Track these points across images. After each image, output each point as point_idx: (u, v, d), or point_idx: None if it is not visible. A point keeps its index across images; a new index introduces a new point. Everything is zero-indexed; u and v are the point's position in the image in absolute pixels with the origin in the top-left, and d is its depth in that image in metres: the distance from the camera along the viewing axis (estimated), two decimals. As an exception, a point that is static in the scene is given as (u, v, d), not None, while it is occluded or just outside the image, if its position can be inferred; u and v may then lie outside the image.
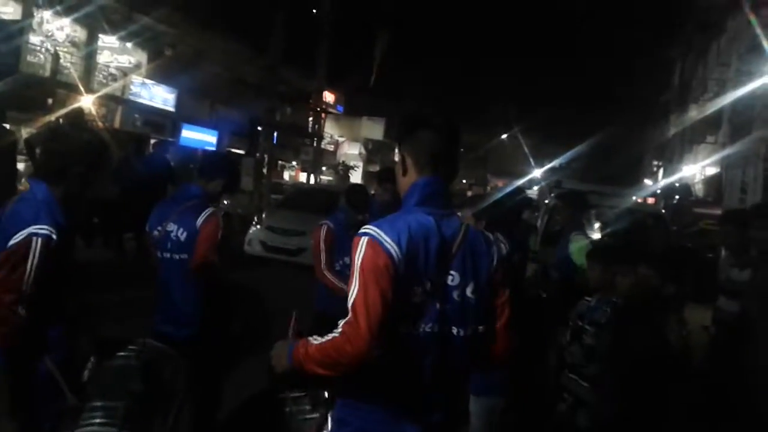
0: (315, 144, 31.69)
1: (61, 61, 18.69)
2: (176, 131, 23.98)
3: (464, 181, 42.08)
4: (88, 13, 17.98)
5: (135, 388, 2.62)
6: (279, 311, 2.25)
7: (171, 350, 3.03)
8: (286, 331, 2.19)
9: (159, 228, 3.56)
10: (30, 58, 17.64)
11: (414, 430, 1.95)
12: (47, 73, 18.16)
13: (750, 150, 16.01)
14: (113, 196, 9.87)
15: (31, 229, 2.30)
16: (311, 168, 30.35)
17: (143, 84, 22.12)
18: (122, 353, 2.80)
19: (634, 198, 12.08)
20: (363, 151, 41.40)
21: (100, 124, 17.35)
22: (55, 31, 18.69)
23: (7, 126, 8.91)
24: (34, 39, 17.84)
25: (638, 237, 6.01)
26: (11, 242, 2.29)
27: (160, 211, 3.67)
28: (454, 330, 1.98)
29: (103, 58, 21.24)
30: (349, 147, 41.22)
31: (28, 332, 2.31)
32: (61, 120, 12.38)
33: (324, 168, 35.18)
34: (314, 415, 2.38)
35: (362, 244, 1.90)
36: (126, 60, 22.47)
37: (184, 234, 3.47)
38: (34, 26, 17.44)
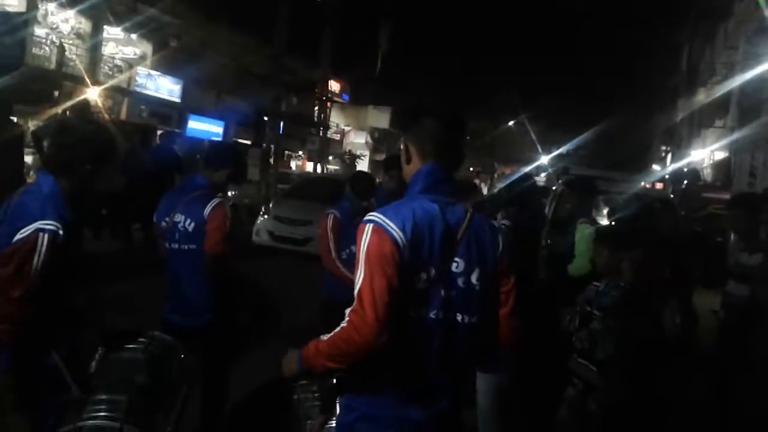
0: (321, 133, 31.69)
1: (67, 53, 18.71)
2: (182, 122, 24.00)
3: (471, 168, 41.97)
4: (92, 4, 17.98)
5: (140, 382, 2.63)
6: (287, 301, 2.25)
7: (179, 343, 3.04)
8: (294, 321, 2.20)
9: (167, 219, 3.57)
10: (35, 50, 17.67)
11: (420, 416, 1.96)
12: (53, 66, 18.18)
13: (759, 134, 15.91)
14: (120, 187, 9.91)
15: (38, 224, 2.29)
16: (318, 157, 30.38)
17: (149, 75, 22.13)
18: (130, 346, 2.82)
19: (642, 183, 12.03)
20: (369, 140, 41.34)
21: (106, 116, 17.38)
22: (60, 23, 18.68)
23: (14, 119, 8.93)
24: (39, 31, 17.85)
25: (646, 222, 5.98)
26: (18, 237, 2.28)
27: (168, 202, 3.68)
28: (459, 317, 1.99)
29: (108, 49, 21.24)
30: (355, 136, 41.17)
31: (35, 326, 2.31)
32: (67, 112, 12.43)
33: (330, 157, 35.19)
34: (322, 403, 2.39)
35: (367, 231, 1.90)
36: (131, 51, 22.46)
37: (192, 224, 3.48)
38: (39, 18, 17.44)
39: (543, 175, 18.97)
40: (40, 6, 17.32)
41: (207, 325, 3.48)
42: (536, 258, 4.78)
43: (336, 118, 38.46)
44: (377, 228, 1.89)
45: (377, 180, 5.29)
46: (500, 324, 2.11)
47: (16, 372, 2.26)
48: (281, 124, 24.35)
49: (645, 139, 38.25)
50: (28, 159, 9.88)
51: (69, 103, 15.03)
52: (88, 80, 17.74)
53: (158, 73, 22.47)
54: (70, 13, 18.61)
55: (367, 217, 1.94)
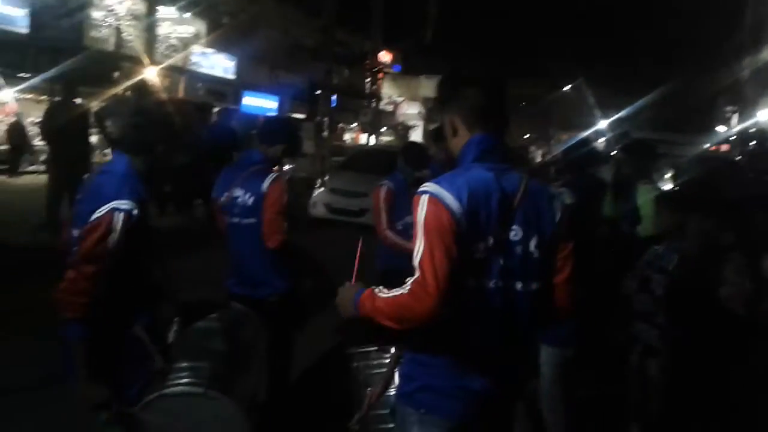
0: (374, 105, 31.61)
1: (124, 34, 19.16)
2: (238, 99, 24.36)
3: (526, 135, 41.19)
4: (147, -15, 18.30)
5: (219, 349, 2.72)
6: (344, 272, 2.29)
7: (251, 311, 3.12)
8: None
9: (226, 194, 3.65)
10: (94, 33, 18.16)
11: (481, 385, 1.96)
12: (111, 47, 18.67)
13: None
14: (182, 164, 10.17)
15: (113, 203, 2.38)
16: (371, 129, 30.36)
17: (203, 53, 22.48)
18: (205, 316, 2.91)
19: (706, 145, 11.59)
20: (422, 110, 41.03)
21: (164, 95, 17.80)
22: (116, 5, 19.11)
23: (78, 100, 9.24)
24: (96, 14, 18.32)
25: (711, 185, 5.77)
26: (94, 216, 2.37)
27: (226, 177, 3.75)
28: (518, 285, 1.97)
29: (163, 29, 21.64)
30: (408, 107, 40.93)
31: (117, 300, 2.42)
32: (127, 92, 12.78)
33: (383, 129, 35.13)
34: (382, 370, 2.42)
35: (423, 202, 1.89)
36: (185, 30, 22.84)
37: (251, 198, 3.55)
38: (95, 1, 17.88)
39: (602, 140, 18.46)
40: (96, -11, 17.74)
41: (270, 296, 3.56)
42: (595, 225, 4.68)
43: (388, 90, 38.28)
44: (433, 199, 1.88)
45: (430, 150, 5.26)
46: (558, 290, 2.07)
47: (89, 344, 2.37)
48: (334, 97, 24.39)
49: (708, 100, 36.63)
50: (93, 139, 10.21)
51: (128, 83, 15.45)
52: (145, 60, 18.15)
53: (212, 50, 22.80)
54: (126, -5, 19.00)
55: (422, 188, 1.93)
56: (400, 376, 2.10)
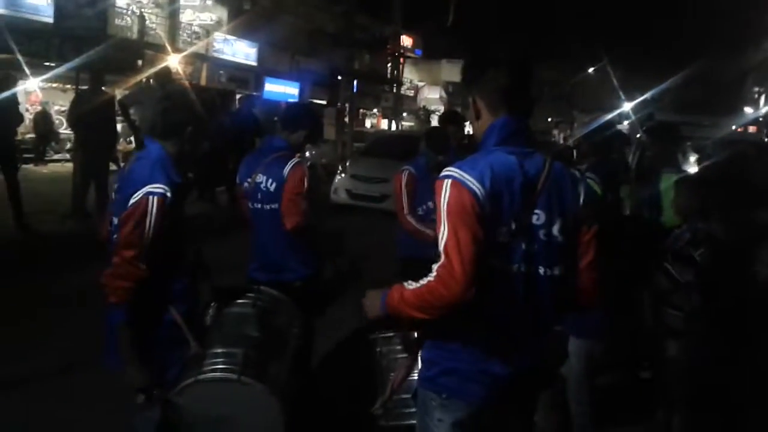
0: (395, 90, 31.50)
1: (147, 22, 19.28)
2: (259, 85, 24.41)
3: (549, 119, 40.74)
4: (168, -28, 18.37)
5: (253, 335, 2.75)
6: (366, 257, 2.30)
7: (285, 297, 3.15)
8: (373, 276, 2.23)
9: (249, 180, 3.68)
10: (117, 21, 18.29)
11: (503, 370, 1.96)
12: (135, 35, 18.80)
13: None
14: (205, 151, 10.26)
15: (148, 188, 2.43)
16: (392, 114, 30.28)
17: (225, 40, 22.55)
18: (239, 301, 2.96)
19: (733, 127, 11.38)
20: (443, 94, 40.77)
21: (186, 82, 17.93)
22: (139, -7, 19.22)
23: (104, 88, 9.34)
24: (119, 2, 18.44)
25: (739, 168, 5.67)
26: (131, 201, 2.43)
27: (249, 163, 3.79)
28: (541, 270, 1.96)
29: (185, 16, 21.76)
30: (429, 91, 40.71)
31: (154, 285, 2.46)
32: (151, 80, 12.88)
33: (405, 114, 35.00)
34: (404, 356, 2.43)
35: (446, 186, 1.88)
36: (208, 17, 22.93)
37: (273, 184, 3.57)
38: (119, -11, 17.99)
39: (626, 123, 18.21)
40: (119, -23, 17.85)
41: (292, 281, 3.59)
42: (618, 210, 4.64)
43: (409, 74, 38.08)
44: (455, 182, 1.87)
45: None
46: (582, 275, 2.06)
47: (134, 327, 2.43)
48: (355, 82, 24.36)
49: (735, 81, 35.85)
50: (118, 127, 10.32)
51: (151, 71, 15.55)
52: (168, 48, 18.26)
53: (234, 37, 22.85)
54: (148, -17, 19.10)
55: (444, 173, 1.92)
56: (422, 360, 2.10)
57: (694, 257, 3.28)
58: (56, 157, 18.33)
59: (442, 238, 1.85)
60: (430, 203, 4.26)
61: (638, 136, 9.02)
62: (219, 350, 2.59)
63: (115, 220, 2.54)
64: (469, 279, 1.79)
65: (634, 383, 4.50)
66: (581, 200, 2.04)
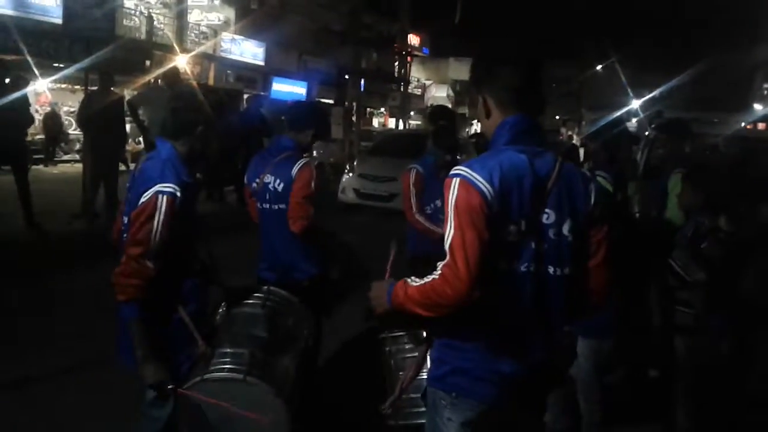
0: (402, 89, 31.49)
1: (155, 22, 19.35)
2: (267, 85, 24.47)
3: (557, 117, 40.62)
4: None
5: (260, 335, 2.76)
6: (374, 256, 2.30)
7: (294, 298, 3.15)
8: (382, 275, 2.23)
9: (257, 180, 3.68)
10: (126, 22, 18.36)
11: (512, 370, 1.95)
12: (143, 36, 18.87)
13: None
14: (214, 151, 10.28)
15: (157, 187, 2.45)
16: (399, 113, 30.28)
17: (233, 40, 22.60)
18: (248, 301, 2.96)
19: (742, 124, 11.31)
20: (451, 93, 40.71)
21: (194, 82, 18.00)
22: (147, -6, 19.28)
23: (113, 89, 9.38)
24: (127, 3, 18.51)
25: (748, 164, 5.64)
26: (141, 200, 2.45)
27: (257, 164, 3.78)
28: (551, 269, 1.95)
29: (193, 17, 21.82)
30: (436, 90, 40.64)
31: (163, 283, 2.48)
32: (159, 81, 12.93)
33: (412, 113, 34.97)
34: (413, 354, 2.43)
35: (454, 186, 1.87)
36: (215, 17, 22.98)
37: (281, 185, 3.57)
38: (127, -10, 18.06)
39: (634, 120, 18.13)
40: (127, -22, 17.91)
41: (300, 281, 3.59)
42: (627, 208, 4.62)
43: (416, 73, 38.07)
44: (464, 182, 1.86)
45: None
46: (593, 275, 2.04)
47: (145, 323, 2.44)
48: (362, 81, 24.37)
49: (744, 78, 35.62)
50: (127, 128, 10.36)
51: (160, 71, 15.63)
52: (176, 48, 18.33)
53: (242, 37, 22.91)
54: (156, -17, 19.16)
55: (453, 172, 1.91)
56: (431, 359, 2.10)
57: (697, 251, 3.27)
58: (65, 157, 18.44)
59: (448, 237, 1.85)
60: (438, 202, 4.26)
61: (647, 133, 8.99)
62: (227, 350, 2.61)
63: (125, 220, 2.57)
64: (474, 279, 1.79)
65: (643, 382, 4.48)
66: (592, 200, 2.02)
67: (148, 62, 18.29)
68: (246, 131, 11.21)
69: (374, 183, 12.28)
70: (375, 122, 34.67)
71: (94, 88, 9.66)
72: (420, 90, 39.19)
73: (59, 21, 15.85)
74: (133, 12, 18.85)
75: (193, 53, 19.85)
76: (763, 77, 33.69)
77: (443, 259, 1.85)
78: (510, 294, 1.92)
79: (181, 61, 17.95)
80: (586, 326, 3.28)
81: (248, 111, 12.71)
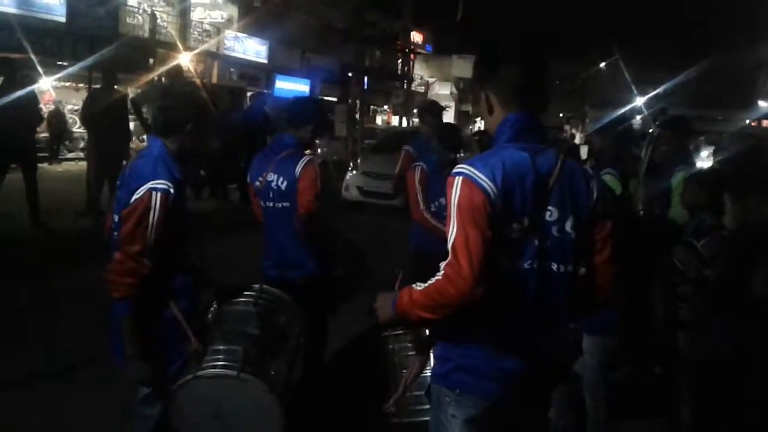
0: (405, 86, 31.47)
1: (158, 20, 19.35)
2: (270, 82, 24.47)
3: (561, 114, 40.55)
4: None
5: (253, 333, 2.77)
6: (377, 253, 2.31)
7: (287, 296, 3.17)
8: (385, 273, 2.23)
9: (260, 179, 3.69)
10: (129, 20, 18.37)
11: (516, 367, 1.96)
12: (146, 34, 18.88)
13: None
14: (217, 149, 10.31)
15: (151, 184, 2.45)
16: (402, 111, 30.26)
17: (236, 38, 22.60)
18: (241, 299, 2.97)
19: (747, 121, 11.28)
20: (454, 90, 40.68)
21: (198, 80, 18.02)
22: (150, -8, 19.29)
23: (116, 87, 9.40)
24: (131, 1, 18.53)
25: (753, 162, 5.62)
26: (134, 197, 2.45)
27: (260, 162, 3.79)
28: (554, 266, 1.95)
29: (196, 15, 21.82)
30: (439, 87, 40.60)
31: (155, 281, 2.48)
32: (162, 78, 12.96)
33: (415, 110, 34.92)
34: (416, 353, 2.43)
35: (457, 184, 1.88)
36: (218, 15, 22.98)
37: (285, 183, 3.58)
38: (130, -11, 18.08)
39: (638, 117, 18.08)
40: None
41: (304, 278, 3.60)
42: (631, 205, 4.61)
43: (420, 71, 38.03)
44: (467, 180, 1.86)
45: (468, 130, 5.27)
46: (597, 272, 2.04)
47: (138, 321, 2.45)
48: (365, 79, 24.36)
49: (749, 75, 35.48)
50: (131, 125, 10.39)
51: (163, 69, 15.66)
52: (179, 46, 18.34)
53: (245, 35, 22.91)
54: (159, -19, 19.17)
55: (455, 170, 1.91)
56: (435, 357, 2.11)
57: (697, 247, 3.27)
58: (70, 155, 18.48)
59: (451, 236, 1.84)
60: (442, 200, 4.27)
61: (650, 130, 8.98)
62: (219, 347, 2.61)
63: (116, 218, 2.56)
64: (477, 277, 1.79)
65: (648, 378, 4.48)
66: (594, 197, 2.02)
67: (151, 60, 18.31)
68: (249, 129, 11.23)
69: (377, 180, 12.28)
70: (378, 120, 34.66)
71: (98, 86, 9.68)
72: (423, 87, 39.14)
73: (63, 19, 15.87)
74: (136, 10, 18.86)
75: (197, 51, 19.86)
76: (767, 74, 33.56)
77: (446, 258, 1.85)
78: (514, 291, 1.92)
79: (185, 59, 17.97)
80: (592, 323, 3.28)
81: (251, 109, 12.72)
